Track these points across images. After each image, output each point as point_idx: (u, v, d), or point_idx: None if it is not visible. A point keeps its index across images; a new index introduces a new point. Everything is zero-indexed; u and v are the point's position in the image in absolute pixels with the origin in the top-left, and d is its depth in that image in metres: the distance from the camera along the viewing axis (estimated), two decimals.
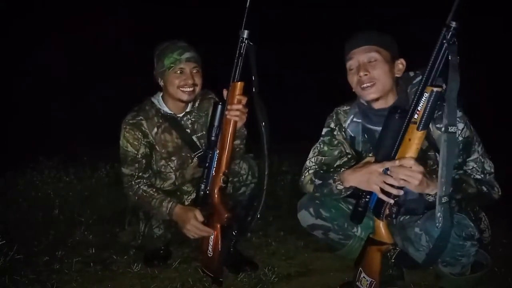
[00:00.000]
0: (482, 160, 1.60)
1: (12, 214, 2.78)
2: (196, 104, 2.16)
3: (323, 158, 1.80)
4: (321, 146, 1.83)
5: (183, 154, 2.13)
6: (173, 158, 2.11)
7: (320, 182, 1.73)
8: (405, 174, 1.41)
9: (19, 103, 5.79)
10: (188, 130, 2.12)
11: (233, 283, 1.92)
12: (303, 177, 1.82)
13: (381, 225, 1.57)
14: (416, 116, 1.39)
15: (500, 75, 5.70)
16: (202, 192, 1.90)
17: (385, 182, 1.48)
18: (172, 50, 1.98)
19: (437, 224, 1.36)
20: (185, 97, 2.02)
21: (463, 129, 1.56)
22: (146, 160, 2.08)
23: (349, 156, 1.80)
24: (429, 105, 1.35)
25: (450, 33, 1.31)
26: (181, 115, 2.12)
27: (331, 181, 1.68)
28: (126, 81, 5.79)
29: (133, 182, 2.04)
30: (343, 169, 1.70)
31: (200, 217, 1.90)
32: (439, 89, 1.33)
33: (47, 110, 5.87)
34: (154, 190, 2.03)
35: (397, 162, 1.43)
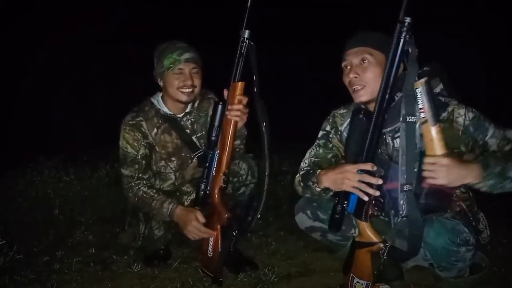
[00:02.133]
0: (501, 132, 1.50)
1: (12, 214, 2.78)
2: (196, 104, 2.16)
3: (316, 160, 1.80)
4: (317, 149, 1.83)
5: (183, 154, 2.13)
6: (173, 158, 2.11)
7: (303, 184, 1.74)
8: (428, 170, 1.38)
9: (19, 103, 5.79)
10: (188, 131, 2.12)
11: (233, 283, 1.92)
12: (296, 176, 1.83)
13: (366, 226, 1.56)
14: (423, 115, 1.37)
15: (500, 74, 5.71)
16: (202, 192, 1.90)
17: (361, 181, 1.47)
18: (171, 50, 1.98)
19: (401, 212, 1.38)
20: (184, 98, 2.02)
21: (465, 113, 1.50)
22: (146, 161, 2.08)
23: (343, 160, 1.81)
24: (429, 98, 1.36)
25: (406, 28, 1.35)
26: (180, 115, 2.12)
27: (310, 183, 1.69)
28: (126, 81, 5.80)
29: (133, 183, 2.04)
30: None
31: (201, 219, 1.89)
32: (426, 79, 1.37)
33: (47, 110, 5.87)
34: (154, 191, 2.03)
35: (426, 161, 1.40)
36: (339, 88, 1.71)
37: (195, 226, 1.89)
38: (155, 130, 2.08)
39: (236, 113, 1.78)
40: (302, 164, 1.84)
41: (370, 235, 1.56)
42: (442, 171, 1.36)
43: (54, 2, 6.49)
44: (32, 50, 6.33)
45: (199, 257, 2.07)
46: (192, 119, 2.14)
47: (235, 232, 1.89)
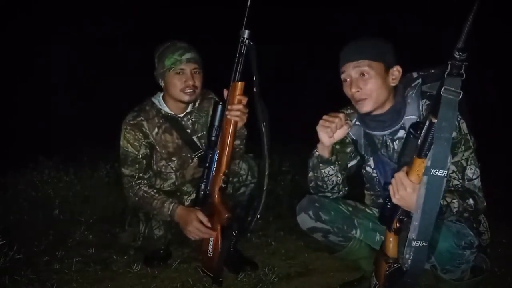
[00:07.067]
0: (465, 165, 1.53)
1: (12, 214, 2.78)
2: (197, 105, 2.16)
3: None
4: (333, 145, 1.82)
5: (183, 154, 2.13)
6: (174, 158, 2.12)
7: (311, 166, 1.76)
8: (392, 183, 1.40)
9: (20, 103, 5.79)
10: (189, 130, 2.12)
11: (233, 283, 1.92)
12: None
13: (389, 237, 1.54)
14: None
15: (501, 74, 5.70)
16: (202, 192, 1.90)
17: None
18: (172, 51, 1.98)
19: (405, 266, 1.30)
20: (186, 98, 2.02)
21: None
22: (147, 161, 2.08)
23: (358, 158, 1.81)
24: (429, 136, 1.26)
25: (456, 64, 1.17)
26: (181, 115, 2.12)
27: (314, 151, 1.72)
28: (127, 80, 5.80)
29: (133, 183, 2.04)
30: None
31: (203, 218, 1.89)
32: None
33: (47, 110, 5.87)
34: (155, 191, 2.03)
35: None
36: (340, 88, 1.71)
37: (195, 226, 1.89)
38: (156, 129, 2.08)
39: (236, 113, 1.78)
40: None
41: (389, 246, 1.53)
42: (401, 193, 1.36)
43: (55, 1, 6.49)
44: (33, 50, 6.33)
45: (199, 257, 2.07)
46: (193, 119, 2.14)
47: (235, 232, 1.89)
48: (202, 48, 2.06)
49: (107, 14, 6.84)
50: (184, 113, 2.12)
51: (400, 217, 1.48)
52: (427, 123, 1.26)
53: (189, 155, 2.14)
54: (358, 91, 1.58)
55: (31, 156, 3.60)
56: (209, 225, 1.89)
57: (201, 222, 1.89)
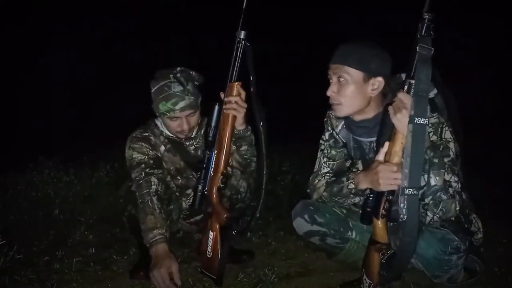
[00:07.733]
0: (443, 170, 1.49)
1: (12, 214, 2.78)
2: (201, 132, 2.14)
3: (334, 162, 1.80)
4: (328, 150, 1.81)
5: (185, 175, 2.16)
6: (178, 177, 2.14)
7: (334, 179, 1.74)
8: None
9: (20, 103, 5.79)
10: (191, 154, 2.13)
11: (233, 283, 1.92)
12: (316, 180, 1.81)
13: (378, 224, 1.54)
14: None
15: (501, 74, 5.70)
16: (199, 193, 1.88)
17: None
18: (166, 98, 1.93)
19: (401, 216, 1.35)
20: (182, 136, 2.06)
21: (429, 133, 1.47)
22: (155, 162, 2.05)
23: (350, 161, 1.81)
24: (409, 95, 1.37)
25: (425, 25, 1.33)
26: (184, 140, 2.12)
27: (344, 178, 1.68)
28: (126, 80, 5.81)
29: (142, 182, 1.96)
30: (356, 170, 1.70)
31: (175, 273, 1.79)
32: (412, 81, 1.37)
33: (47, 110, 5.88)
34: (159, 206, 1.93)
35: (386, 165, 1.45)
36: None
37: (162, 274, 1.76)
38: (163, 147, 2.10)
39: (233, 106, 1.75)
40: (322, 170, 1.81)
41: (379, 233, 1.54)
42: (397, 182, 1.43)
43: (55, 3, 6.50)
44: (33, 50, 6.34)
45: (199, 258, 2.07)
46: (196, 145, 2.15)
47: (234, 232, 1.89)
48: (201, 48, 2.06)
49: (107, 14, 6.84)
50: (188, 138, 2.11)
51: (388, 197, 1.49)
52: (405, 87, 1.38)
53: (191, 176, 2.15)
54: (333, 93, 1.61)
55: (31, 156, 3.62)
56: (179, 282, 1.80)
57: (170, 275, 1.78)
